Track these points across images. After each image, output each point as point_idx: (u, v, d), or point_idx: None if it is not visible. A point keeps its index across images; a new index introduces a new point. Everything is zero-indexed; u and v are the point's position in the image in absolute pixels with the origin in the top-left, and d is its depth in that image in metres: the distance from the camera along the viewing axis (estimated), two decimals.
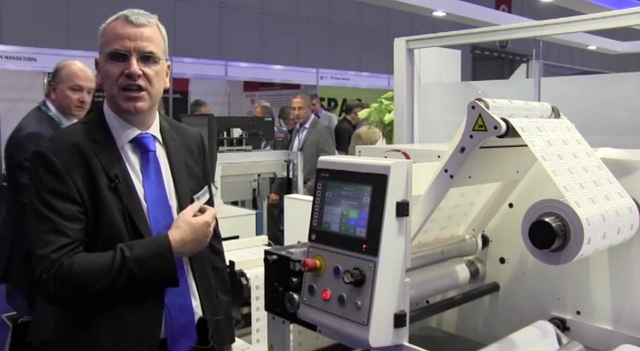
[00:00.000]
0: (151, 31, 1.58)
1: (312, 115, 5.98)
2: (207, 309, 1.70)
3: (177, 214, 1.62)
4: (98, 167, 1.54)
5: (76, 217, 1.51)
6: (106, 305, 1.53)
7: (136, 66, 1.54)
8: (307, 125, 5.82)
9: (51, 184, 1.50)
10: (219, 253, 1.90)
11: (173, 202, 1.64)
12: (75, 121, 2.95)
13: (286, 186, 4.97)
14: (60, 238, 1.47)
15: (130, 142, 1.61)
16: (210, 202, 1.79)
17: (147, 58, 1.56)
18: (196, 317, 1.67)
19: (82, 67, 2.97)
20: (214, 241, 1.81)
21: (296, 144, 5.81)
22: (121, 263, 1.46)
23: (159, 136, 1.67)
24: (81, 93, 2.94)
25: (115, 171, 1.55)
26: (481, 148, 1.40)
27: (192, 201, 1.67)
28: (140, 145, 1.62)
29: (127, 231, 1.54)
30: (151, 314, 1.56)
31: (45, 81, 2.98)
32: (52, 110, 2.93)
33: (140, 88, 1.56)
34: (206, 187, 1.78)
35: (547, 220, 1.32)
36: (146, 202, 1.59)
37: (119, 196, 1.54)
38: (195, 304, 1.67)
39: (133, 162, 1.61)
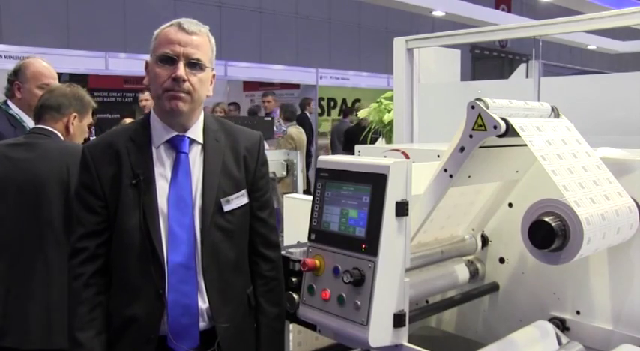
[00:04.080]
0: (200, 40, 1.65)
1: None
2: (221, 315, 1.66)
3: (200, 214, 1.64)
4: (127, 165, 1.63)
5: (94, 209, 1.63)
6: (109, 297, 1.64)
7: (182, 70, 1.60)
8: None
9: (82, 177, 1.67)
10: (271, 262, 1.78)
11: (198, 202, 1.65)
12: None
13: None
14: (78, 229, 1.65)
15: (165, 142, 1.67)
16: (259, 206, 1.76)
17: (194, 64, 1.62)
18: (203, 320, 1.65)
19: (47, 65, 2.93)
20: (266, 250, 1.77)
21: None
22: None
23: (198, 138, 1.70)
24: None
25: (141, 169, 1.62)
26: (481, 147, 1.40)
27: (218, 203, 1.66)
28: (174, 146, 1.67)
29: (140, 228, 1.60)
30: (151, 309, 1.60)
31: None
32: (14, 109, 2.87)
33: (183, 91, 1.62)
34: (244, 190, 1.71)
35: (547, 219, 1.32)
36: (168, 201, 1.62)
37: (138, 194, 1.60)
38: (204, 306, 1.64)
39: (165, 162, 1.66)
